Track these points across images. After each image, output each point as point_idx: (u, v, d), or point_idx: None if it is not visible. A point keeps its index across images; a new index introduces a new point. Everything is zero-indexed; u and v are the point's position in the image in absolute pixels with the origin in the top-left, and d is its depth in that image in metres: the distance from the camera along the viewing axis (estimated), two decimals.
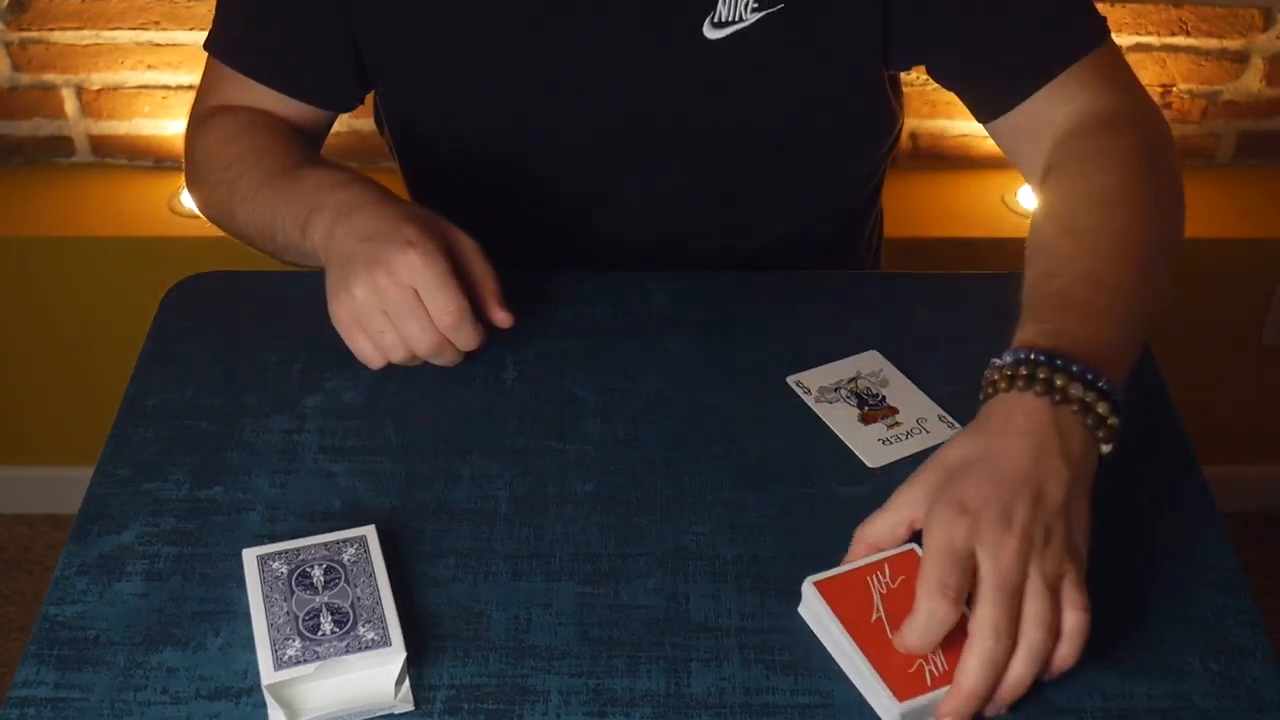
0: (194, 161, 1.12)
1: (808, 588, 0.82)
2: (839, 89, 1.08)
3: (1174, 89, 1.79)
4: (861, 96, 1.10)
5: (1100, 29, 1.03)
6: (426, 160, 1.21)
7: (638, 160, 1.13)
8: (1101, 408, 0.79)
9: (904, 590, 0.79)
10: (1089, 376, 0.79)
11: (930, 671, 0.77)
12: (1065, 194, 0.95)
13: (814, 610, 0.82)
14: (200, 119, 1.12)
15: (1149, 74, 1.77)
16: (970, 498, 0.76)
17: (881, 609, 0.79)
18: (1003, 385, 0.80)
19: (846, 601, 0.80)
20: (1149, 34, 1.74)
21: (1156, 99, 1.78)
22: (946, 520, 0.76)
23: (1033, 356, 0.80)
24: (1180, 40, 1.75)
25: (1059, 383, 0.79)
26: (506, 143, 1.13)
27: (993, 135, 1.07)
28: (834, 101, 1.09)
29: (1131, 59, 1.76)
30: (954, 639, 0.76)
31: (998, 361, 0.82)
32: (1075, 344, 0.81)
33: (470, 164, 1.15)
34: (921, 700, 0.76)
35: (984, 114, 1.06)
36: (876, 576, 0.81)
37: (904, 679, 0.77)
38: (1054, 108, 1.02)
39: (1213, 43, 1.75)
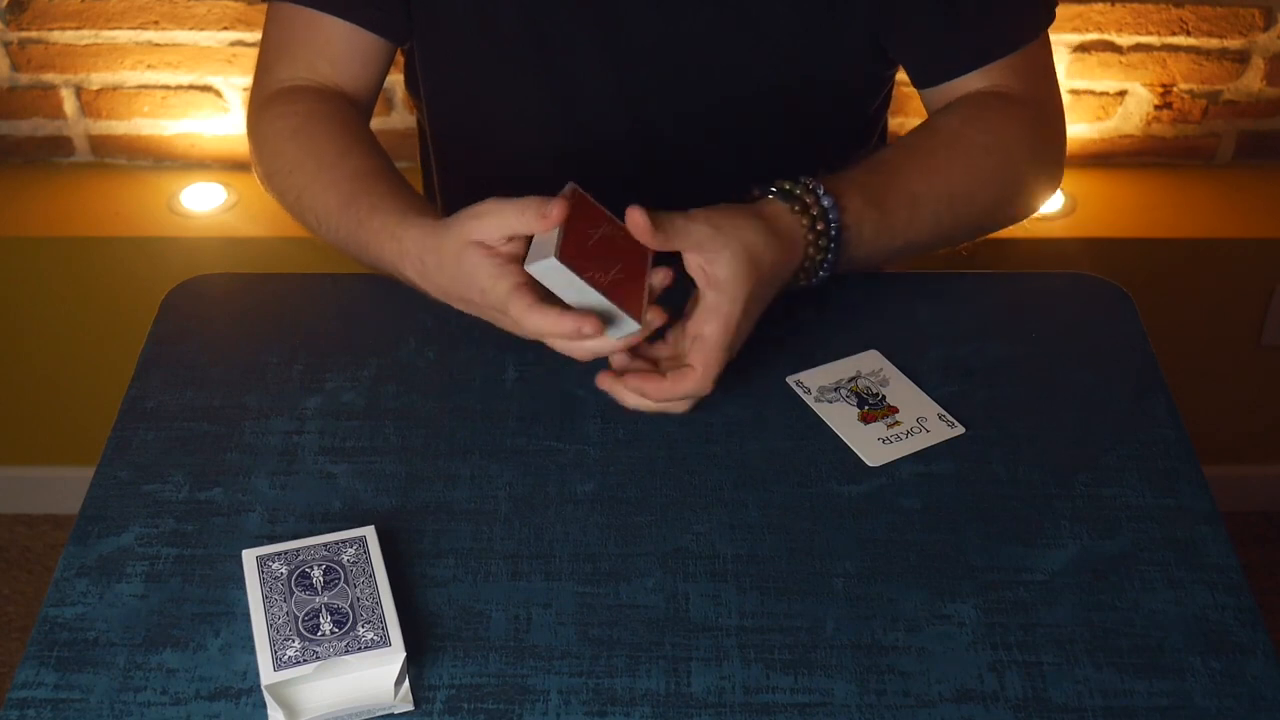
0: (255, 145, 1.14)
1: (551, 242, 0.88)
2: (844, 39, 1.13)
3: (1174, 89, 1.79)
4: (864, 49, 1.14)
5: (1045, 19, 1.13)
6: (453, 123, 1.23)
7: (672, 126, 1.16)
8: (819, 258, 0.99)
9: (603, 243, 0.90)
10: (833, 232, 0.98)
11: (595, 276, 0.87)
12: (935, 124, 1.11)
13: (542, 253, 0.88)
14: (261, 104, 1.14)
15: (1149, 74, 1.77)
16: (755, 300, 0.94)
17: (595, 239, 0.90)
18: (788, 186, 0.99)
19: (582, 214, 0.90)
20: (1149, 34, 1.74)
21: (1157, 99, 1.79)
22: (740, 305, 0.93)
23: (821, 195, 0.98)
24: (1181, 40, 1.75)
25: (814, 213, 0.98)
26: (533, 101, 1.16)
27: (921, 97, 1.17)
28: (839, 51, 1.14)
29: (1131, 59, 1.76)
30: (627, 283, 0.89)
31: (804, 179, 0.99)
32: (850, 208, 0.99)
33: (498, 129, 1.19)
34: (556, 264, 0.86)
35: (919, 81, 1.15)
36: (602, 228, 0.91)
37: (580, 252, 0.86)
38: (976, 84, 1.12)
39: (1213, 42, 1.75)
